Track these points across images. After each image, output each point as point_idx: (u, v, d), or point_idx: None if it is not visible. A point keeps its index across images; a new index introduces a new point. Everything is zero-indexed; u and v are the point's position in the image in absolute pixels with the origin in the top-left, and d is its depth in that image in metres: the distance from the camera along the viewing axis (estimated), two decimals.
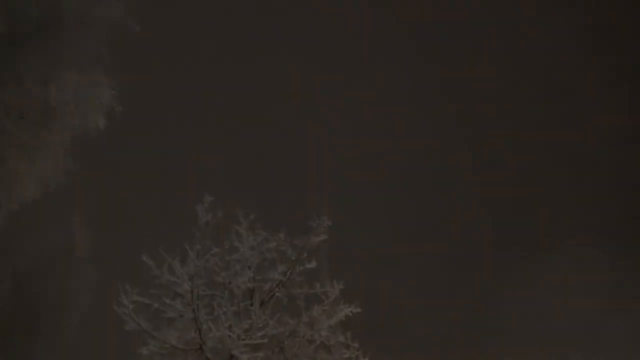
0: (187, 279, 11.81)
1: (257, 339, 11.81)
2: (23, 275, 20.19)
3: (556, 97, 28.82)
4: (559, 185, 27.81)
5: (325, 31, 27.78)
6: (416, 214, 27.89)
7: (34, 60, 15.19)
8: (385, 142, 28.79)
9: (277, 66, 27.24)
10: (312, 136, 27.49)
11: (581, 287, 24.82)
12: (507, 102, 28.64)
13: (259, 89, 26.83)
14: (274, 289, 12.51)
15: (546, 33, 28.68)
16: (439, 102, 28.65)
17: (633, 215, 26.33)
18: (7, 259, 20.16)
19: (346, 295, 12.87)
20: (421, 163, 28.00)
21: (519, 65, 28.89)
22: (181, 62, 26.45)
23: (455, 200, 27.93)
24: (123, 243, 20.58)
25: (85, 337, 20.40)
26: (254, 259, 12.38)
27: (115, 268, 18.53)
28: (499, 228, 27.18)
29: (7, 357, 19.16)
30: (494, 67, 28.55)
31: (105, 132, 15.29)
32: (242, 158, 26.31)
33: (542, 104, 29.12)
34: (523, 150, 28.62)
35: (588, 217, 26.71)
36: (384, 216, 27.53)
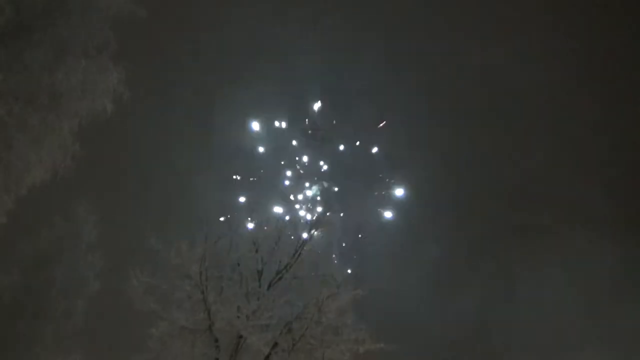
0: (196, 260, 11.88)
1: (265, 320, 11.90)
2: (32, 261, 20.27)
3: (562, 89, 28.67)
4: (568, 176, 27.77)
5: None
6: (425, 204, 28.03)
7: (41, 47, 15.15)
8: (391, 134, 28.91)
9: (285, 49, 27.06)
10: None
11: (592, 274, 24.81)
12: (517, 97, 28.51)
13: (268, 75, 26.69)
14: (282, 271, 12.58)
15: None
16: (453, 98, 28.59)
17: None
18: (16, 246, 20.25)
19: (355, 280, 12.94)
20: (434, 156, 28.00)
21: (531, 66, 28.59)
22: (188, 47, 26.41)
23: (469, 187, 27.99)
24: (131, 228, 20.65)
25: (93, 321, 20.52)
26: (262, 242, 12.46)
27: (123, 253, 18.58)
28: (507, 217, 27.28)
29: (17, 342, 19.29)
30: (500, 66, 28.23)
31: (112, 117, 15.25)
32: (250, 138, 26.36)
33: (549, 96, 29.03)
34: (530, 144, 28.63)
35: (600, 206, 26.69)
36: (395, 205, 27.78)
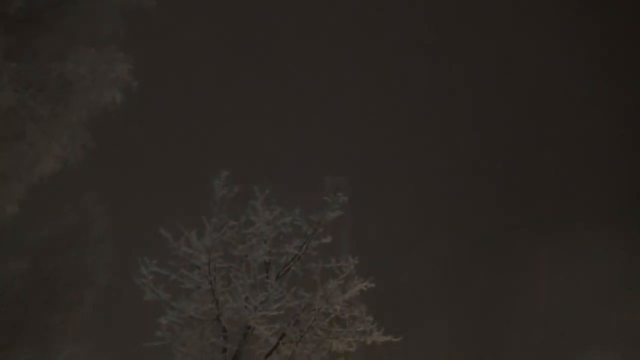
0: (205, 251, 11.92)
1: (273, 311, 11.95)
2: (40, 251, 20.39)
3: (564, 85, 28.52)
4: (570, 169, 27.65)
5: None
6: (432, 197, 27.95)
7: (50, 35, 15.18)
8: (403, 131, 28.82)
9: (296, 45, 27.07)
10: (333, 113, 27.45)
11: (596, 271, 24.71)
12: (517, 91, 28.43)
13: (278, 64, 26.70)
14: (290, 262, 12.60)
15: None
16: (453, 97, 28.53)
17: None
18: (25, 235, 20.37)
19: (362, 271, 12.94)
20: (434, 152, 27.95)
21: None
22: (198, 36, 26.36)
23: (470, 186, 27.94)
24: (140, 218, 20.74)
25: (102, 312, 20.66)
26: (270, 233, 12.47)
27: (132, 243, 18.69)
28: (511, 213, 27.15)
29: (25, 333, 19.43)
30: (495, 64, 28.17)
31: (121, 107, 15.27)
32: (260, 132, 26.32)
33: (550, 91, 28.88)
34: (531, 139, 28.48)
35: (604, 200, 26.54)
36: (402, 198, 27.67)
